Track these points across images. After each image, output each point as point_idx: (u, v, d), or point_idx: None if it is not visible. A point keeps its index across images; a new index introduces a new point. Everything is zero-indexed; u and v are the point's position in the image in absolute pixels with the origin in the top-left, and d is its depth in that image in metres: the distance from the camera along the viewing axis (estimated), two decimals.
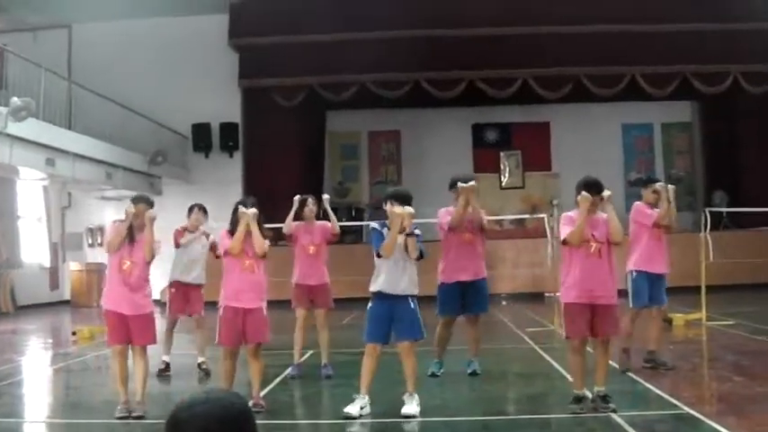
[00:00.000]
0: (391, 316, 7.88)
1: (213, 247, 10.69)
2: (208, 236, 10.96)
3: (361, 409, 7.77)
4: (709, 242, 15.10)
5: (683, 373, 9.99)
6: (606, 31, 24.40)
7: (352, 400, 7.80)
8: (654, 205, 10.32)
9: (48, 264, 25.94)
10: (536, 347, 12.53)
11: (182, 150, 26.17)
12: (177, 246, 10.83)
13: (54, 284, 26.11)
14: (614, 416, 7.29)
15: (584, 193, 7.63)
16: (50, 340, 17.13)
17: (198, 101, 25.52)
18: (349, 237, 25.23)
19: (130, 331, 8.08)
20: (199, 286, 11.00)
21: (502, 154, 29.75)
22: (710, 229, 15.50)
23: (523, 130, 29.41)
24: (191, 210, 11.06)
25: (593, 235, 7.63)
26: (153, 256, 8.17)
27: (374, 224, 8.17)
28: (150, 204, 8.32)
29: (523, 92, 25.51)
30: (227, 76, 25.77)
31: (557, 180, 28.54)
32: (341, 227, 24.71)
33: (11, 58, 17.47)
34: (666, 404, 7.97)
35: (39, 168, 18.51)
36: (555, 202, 19.66)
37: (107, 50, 25.43)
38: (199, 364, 10.75)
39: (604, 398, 7.51)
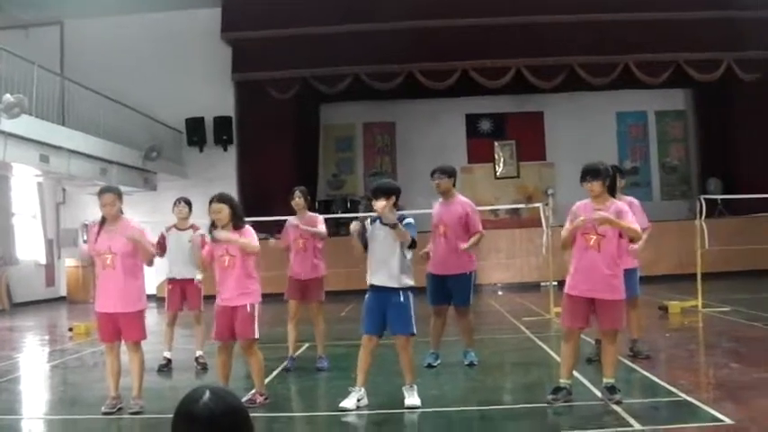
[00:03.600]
0: (383, 308, 7.85)
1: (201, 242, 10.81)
2: (196, 229, 10.96)
3: (359, 401, 7.77)
4: (705, 230, 15.09)
5: (680, 361, 10.02)
6: (599, 20, 24.41)
7: (348, 393, 7.80)
8: None
9: (43, 260, 25.91)
10: (532, 336, 12.55)
11: (176, 145, 26.12)
12: (162, 252, 10.86)
13: (50, 281, 26.10)
14: (612, 404, 7.30)
15: (581, 219, 7.42)
16: (47, 337, 17.12)
17: (191, 95, 25.50)
18: (345, 228, 25.21)
19: (120, 328, 8.08)
20: (194, 280, 11.03)
21: (496, 144, 29.78)
22: (705, 217, 15.48)
23: (517, 119, 29.43)
24: (175, 204, 11.14)
25: (594, 228, 7.51)
26: (151, 261, 8.24)
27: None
28: (118, 195, 8.27)
29: (517, 81, 25.51)
30: (221, 69, 25.73)
31: (551, 169, 28.60)
32: (337, 219, 24.90)
33: (3, 55, 17.40)
34: (664, 391, 7.99)
35: (33, 165, 18.47)
36: (550, 191, 19.70)
37: (99, 46, 25.40)
38: (196, 359, 10.77)
39: (610, 389, 7.48)
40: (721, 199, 22.07)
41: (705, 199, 15.98)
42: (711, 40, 24.50)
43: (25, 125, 16.82)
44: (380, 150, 29.99)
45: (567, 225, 7.62)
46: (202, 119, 26.35)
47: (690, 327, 13.60)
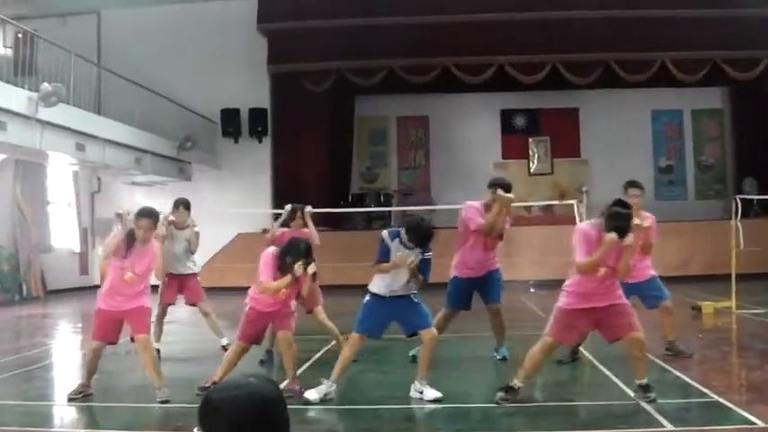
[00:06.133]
0: (394, 314, 8.10)
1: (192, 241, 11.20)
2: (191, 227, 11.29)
3: (325, 395, 7.95)
4: (740, 230, 14.94)
5: (713, 362, 9.95)
6: (637, 17, 24.21)
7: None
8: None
9: (78, 249, 26.13)
10: None
11: (211, 136, 26.20)
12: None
13: (84, 269, 26.30)
14: (644, 404, 7.27)
15: (613, 235, 7.18)
16: (80, 325, 17.25)
17: (227, 86, 25.58)
18: (377, 222, 25.26)
19: (127, 324, 8.47)
20: (194, 275, 11.41)
21: (531, 140, 29.62)
22: (741, 217, 15.33)
23: (552, 116, 29.27)
24: (176, 206, 11.34)
25: (607, 263, 7.37)
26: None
27: (385, 233, 8.14)
28: (155, 218, 8.55)
29: (552, 77, 25.35)
30: (256, 61, 25.77)
31: (585, 166, 28.46)
32: (369, 213, 24.87)
33: (41, 44, 17.56)
34: (696, 392, 7.94)
35: (69, 153, 18.60)
36: (584, 188, 19.56)
37: (136, 36, 25.52)
38: (223, 347, 10.77)
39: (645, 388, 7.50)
40: (757, 199, 21.87)
41: (741, 199, 15.82)
42: (749, 38, 24.20)
43: (62, 114, 16.94)
44: (414, 144, 29.88)
45: (582, 252, 7.48)
46: (237, 110, 26.42)
47: (723, 328, 13.50)
